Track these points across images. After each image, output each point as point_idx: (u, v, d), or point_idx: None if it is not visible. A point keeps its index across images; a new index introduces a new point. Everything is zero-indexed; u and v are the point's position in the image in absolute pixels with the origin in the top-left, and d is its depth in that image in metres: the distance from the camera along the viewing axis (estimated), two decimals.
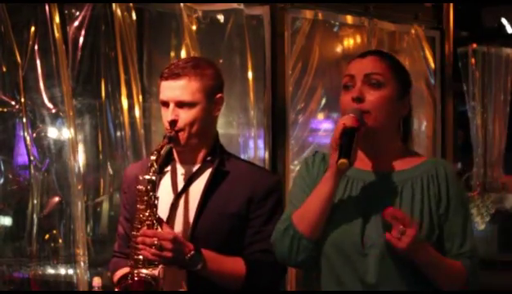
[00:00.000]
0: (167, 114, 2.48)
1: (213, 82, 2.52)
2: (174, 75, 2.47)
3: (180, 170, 2.57)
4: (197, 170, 2.54)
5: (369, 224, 2.23)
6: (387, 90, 2.25)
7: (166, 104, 2.49)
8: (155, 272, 2.39)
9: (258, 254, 2.49)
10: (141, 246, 2.35)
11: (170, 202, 2.51)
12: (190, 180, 2.53)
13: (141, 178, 2.42)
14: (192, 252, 2.37)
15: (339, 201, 2.28)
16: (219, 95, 2.55)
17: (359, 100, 2.23)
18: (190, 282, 2.47)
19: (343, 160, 2.13)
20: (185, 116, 2.47)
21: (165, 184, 2.55)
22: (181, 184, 2.54)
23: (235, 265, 2.47)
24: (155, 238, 2.34)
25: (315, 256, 2.28)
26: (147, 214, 2.40)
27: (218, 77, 2.56)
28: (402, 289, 2.21)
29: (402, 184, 2.26)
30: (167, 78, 2.49)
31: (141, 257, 2.38)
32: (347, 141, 2.16)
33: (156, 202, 2.42)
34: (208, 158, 2.55)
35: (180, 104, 2.47)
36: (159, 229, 2.39)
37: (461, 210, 2.26)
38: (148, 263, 2.39)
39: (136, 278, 2.39)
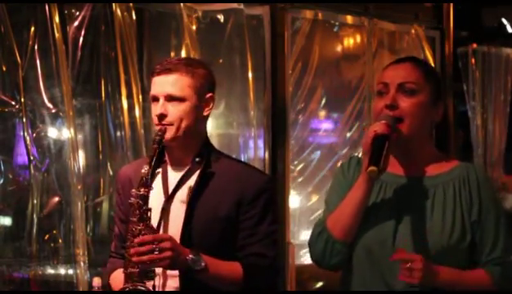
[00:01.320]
0: (156, 109, 2.47)
1: (203, 81, 2.51)
2: (166, 70, 2.47)
3: (170, 172, 2.55)
4: (186, 172, 2.52)
5: (400, 228, 2.24)
6: (420, 97, 2.27)
7: (156, 98, 2.48)
8: (150, 285, 2.38)
9: (251, 257, 2.46)
10: (136, 258, 2.33)
11: (161, 206, 2.49)
12: (179, 182, 2.51)
13: (133, 192, 2.41)
14: (193, 253, 2.36)
15: (371, 204, 2.30)
16: (210, 95, 2.54)
17: (393, 107, 2.25)
18: (184, 289, 2.46)
19: (372, 168, 2.15)
20: (174, 110, 2.46)
21: (156, 186, 2.53)
22: (171, 187, 2.52)
23: (233, 268, 2.45)
24: (153, 243, 2.32)
25: (348, 259, 2.31)
26: (140, 227, 2.38)
27: (210, 77, 2.55)
28: None
29: (434, 189, 2.27)
30: (159, 73, 2.49)
31: (136, 270, 2.36)
32: (377, 148, 2.18)
33: (149, 214, 2.40)
34: (197, 159, 2.52)
35: (169, 99, 2.46)
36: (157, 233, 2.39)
37: (492, 215, 2.26)
38: (144, 276, 2.37)
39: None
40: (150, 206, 2.42)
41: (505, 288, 2.25)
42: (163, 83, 2.47)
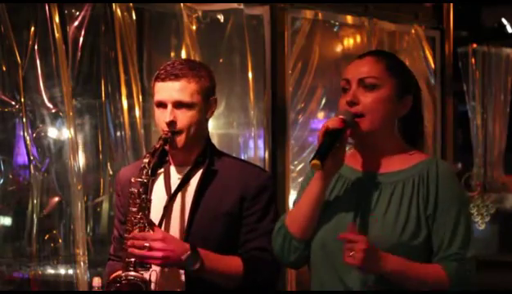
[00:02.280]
0: (164, 115, 2.47)
1: (209, 84, 2.53)
2: (172, 76, 2.47)
3: (173, 172, 2.57)
4: (189, 171, 2.54)
5: (357, 224, 2.21)
6: (382, 91, 2.24)
7: (163, 105, 2.49)
8: (146, 275, 2.39)
9: (254, 252, 2.48)
10: (130, 249, 2.36)
11: (163, 205, 2.50)
12: (182, 181, 2.53)
13: (133, 180, 2.43)
14: (188, 252, 2.37)
15: (332, 200, 2.29)
16: (213, 98, 2.57)
17: (353, 103, 2.24)
18: (188, 287, 2.46)
19: (314, 161, 2.14)
20: (183, 117, 2.47)
21: (159, 186, 2.55)
22: (174, 186, 2.53)
23: (233, 263, 2.46)
24: (145, 241, 2.34)
25: (308, 256, 2.30)
26: (139, 216, 2.40)
27: (213, 79, 2.57)
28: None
29: (394, 185, 2.24)
30: (164, 79, 2.48)
31: (132, 260, 2.38)
32: (326, 143, 2.17)
33: (149, 204, 2.42)
34: (200, 159, 2.54)
35: (178, 105, 2.47)
36: (150, 232, 2.39)
37: (451, 211, 2.21)
38: (140, 266, 2.38)
39: (124, 282, 2.38)
40: (150, 198, 2.43)
41: (459, 285, 2.19)
42: (171, 90, 2.47)
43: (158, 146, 2.45)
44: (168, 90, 2.48)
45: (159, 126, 2.51)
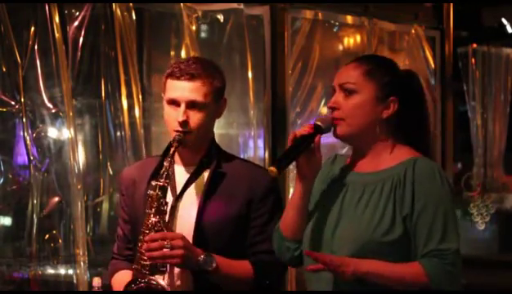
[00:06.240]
0: (177, 114, 2.47)
1: (221, 85, 2.55)
2: (188, 75, 2.46)
3: (178, 171, 2.56)
4: (194, 171, 2.54)
5: (341, 224, 2.26)
6: (360, 96, 2.29)
7: (176, 103, 2.48)
8: (162, 280, 2.40)
9: (261, 255, 2.50)
10: (148, 252, 2.35)
11: (170, 205, 2.50)
12: (188, 181, 2.53)
13: (153, 184, 2.42)
14: (204, 253, 2.39)
15: (320, 199, 2.36)
16: (224, 98, 2.58)
17: (333, 108, 2.31)
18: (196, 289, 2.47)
19: (270, 168, 2.22)
20: (195, 117, 2.47)
21: None
22: (179, 186, 2.53)
23: (243, 268, 2.48)
24: (165, 240, 2.34)
25: (301, 255, 2.35)
26: (155, 220, 2.40)
27: (224, 79, 2.58)
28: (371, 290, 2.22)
29: (375, 185, 2.27)
30: (179, 78, 2.47)
31: (147, 263, 2.38)
32: (290, 150, 2.25)
33: (166, 208, 2.42)
34: (205, 159, 2.55)
35: (191, 106, 2.47)
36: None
37: (428, 209, 2.21)
38: (155, 269, 2.39)
39: (142, 285, 2.38)
40: (167, 202, 2.45)
41: (441, 281, 2.19)
42: (186, 89, 2.47)
43: (174, 149, 2.46)
44: (182, 89, 2.47)
45: (169, 123, 2.51)
